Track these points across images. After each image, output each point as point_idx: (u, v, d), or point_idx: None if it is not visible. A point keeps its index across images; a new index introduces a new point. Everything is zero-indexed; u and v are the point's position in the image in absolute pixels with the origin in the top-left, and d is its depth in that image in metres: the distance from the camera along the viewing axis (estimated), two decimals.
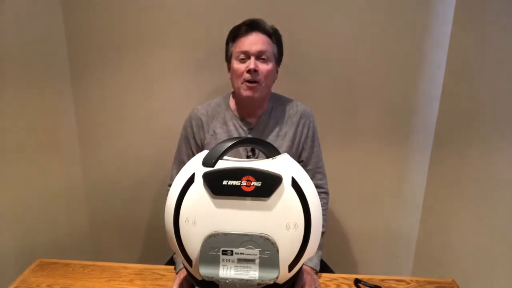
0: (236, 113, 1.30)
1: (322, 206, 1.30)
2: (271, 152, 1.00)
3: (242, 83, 1.22)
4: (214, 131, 1.29)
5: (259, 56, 1.21)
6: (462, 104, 1.49)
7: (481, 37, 1.40)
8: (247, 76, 1.20)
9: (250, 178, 0.86)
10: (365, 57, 1.54)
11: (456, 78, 1.49)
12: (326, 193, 1.38)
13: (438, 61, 1.52)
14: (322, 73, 1.57)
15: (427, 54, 1.52)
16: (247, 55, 1.21)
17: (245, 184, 0.86)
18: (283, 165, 0.92)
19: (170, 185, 1.33)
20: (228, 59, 1.27)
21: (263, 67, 1.21)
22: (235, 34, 1.24)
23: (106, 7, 1.55)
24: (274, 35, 1.25)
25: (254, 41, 1.20)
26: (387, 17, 1.49)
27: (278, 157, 0.98)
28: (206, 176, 0.88)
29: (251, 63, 1.19)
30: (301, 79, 1.56)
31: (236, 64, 1.22)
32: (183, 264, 0.96)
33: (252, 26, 1.22)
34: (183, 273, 1.18)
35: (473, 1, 1.40)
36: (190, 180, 0.90)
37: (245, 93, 1.22)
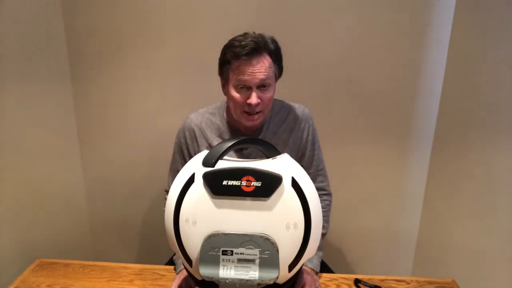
0: (232, 126, 1.26)
1: (324, 207, 1.30)
2: (271, 152, 1.00)
3: (242, 113, 1.15)
4: (210, 144, 1.25)
5: (260, 85, 1.12)
6: (462, 104, 1.49)
7: (481, 37, 1.40)
8: (247, 108, 1.13)
9: (250, 178, 0.86)
10: (365, 57, 1.54)
11: (456, 78, 1.49)
12: (329, 194, 1.35)
13: (438, 61, 1.52)
14: (321, 72, 1.56)
15: (427, 54, 1.52)
16: (247, 86, 1.12)
17: (245, 184, 0.86)
18: (283, 165, 0.92)
19: (167, 191, 1.34)
20: (224, 78, 1.18)
21: (265, 97, 1.13)
22: (232, 58, 1.12)
23: (106, 7, 1.54)
24: (274, 53, 1.14)
25: (255, 70, 1.10)
26: (387, 17, 1.49)
27: (278, 157, 0.98)
28: (206, 176, 0.88)
29: (253, 97, 1.11)
30: (300, 78, 1.56)
31: (234, 93, 1.14)
32: (183, 265, 0.96)
33: (252, 52, 1.10)
34: (183, 274, 1.18)
35: (473, 1, 1.40)
36: (190, 180, 0.90)
37: (246, 123, 1.17)
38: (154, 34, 1.56)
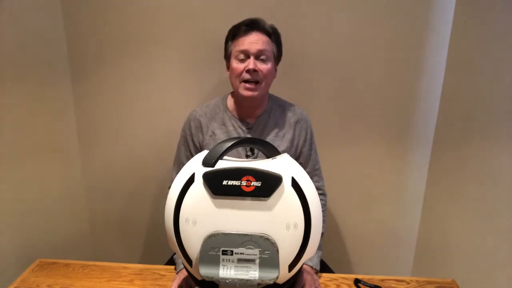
0: (234, 113, 1.30)
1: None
2: (271, 152, 1.00)
3: (241, 83, 1.22)
4: (213, 132, 1.29)
5: (258, 55, 1.21)
6: (462, 104, 1.49)
7: (481, 37, 1.40)
8: (246, 76, 1.21)
9: (250, 178, 0.86)
10: (365, 57, 1.54)
11: (456, 78, 1.49)
12: (324, 194, 1.39)
13: (438, 61, 1.52)
14: (321, 73, 1.57)
15: (427, 54, 1.52)
16: (246, 55, 1.21)
17: (245, 184, 0.86)
18: (283, 165, 0.92)
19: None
20: (227, 57, 1.27)
21: (263, 67, 1.21)
22: (235, 33, 1.24)
23: (106, 7, 1.54)
24: (273, 35, 1.25)
25: (253, 41, 1.20)
26: (387, 17, 1.49)
27: (278, 157, 0.98)
28: (206, 176, 0.88)
29: (251, 63, 1.20)
30: (300, 78, 1.56)
31: (235, 64, 1.22)
32: (183, 264, 0.96)
33: (251, 25, 1.22)
34: (183, 274, 1.18)
35: (473, 1, 1.40)
36: (190, 180, 0.90)
37: (244, 93, 1.22)
38: (154, 33, 1.56)
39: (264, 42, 1.22)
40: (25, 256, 1.52)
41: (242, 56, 1.21)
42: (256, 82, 1.22)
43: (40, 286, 1.21)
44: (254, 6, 1.48)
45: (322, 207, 1.33)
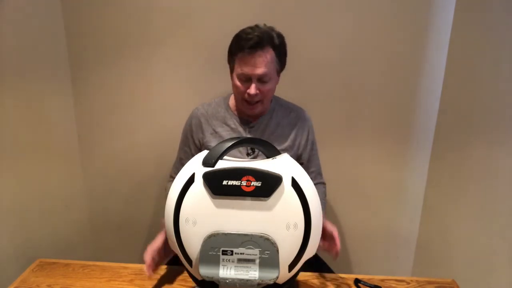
0: (236, 112, 1.31)
1: (322, 194, 1.37)
2: (271, 152, 1.00)
3: (242, 100, 1.23)
4: (214, 130, 1.30)
5: (260, 78, 1.18)
6: (462, 104, 1.49)
7: (481, 37, 1.40)
8: (247, 97, 1.20)
9: (250, 178, 0.86)
10: (366, 57, 1.54)
11: (456, 78, 1.49)
12: (324, 183, 1.43)
13: (438, 61, 1.52)
14: (322, 73, 1.57)
15: (427, 54, 1.51)
16: (248, 78, 1.18)
17: (245, 184, 0.86)
18: (283, 165, 0.92)
19: (171, 176, 1.36)
20: (231, 66, 1.24)
21: (264, 89, 1.20)
22: (238, 49, 1.18)
23: (106, 7, 1.54)
24: (278, 47, 1.19)
25: (256, 64, 1.16)
26: (387, 17, 1.49)
27: (278, 157, 0.98)
28: (206, 176, 0.88)
29: (252, 88, 1.18)
30: (301, 78, 1.56)
31: (237, 81, 1.21)
32: (184, 265, 0.96)
33: (256, 46, 1.15)
34: (156, 243, 1.11)
35: (473, 1, 1.40)
36: (190, 180, 0.90)
37: (245, 109, 1.25)
38: (154, 33, 1.56)
39: (267, 63, 1.17)
40: (25, 256, 1.52)
41: (244, 78, 1.19)
42: (257, 101, 1.22)
43: (40, 286, 1.20)
44: (254, 6, 1.48)
45: (323, 194, 1.39)
